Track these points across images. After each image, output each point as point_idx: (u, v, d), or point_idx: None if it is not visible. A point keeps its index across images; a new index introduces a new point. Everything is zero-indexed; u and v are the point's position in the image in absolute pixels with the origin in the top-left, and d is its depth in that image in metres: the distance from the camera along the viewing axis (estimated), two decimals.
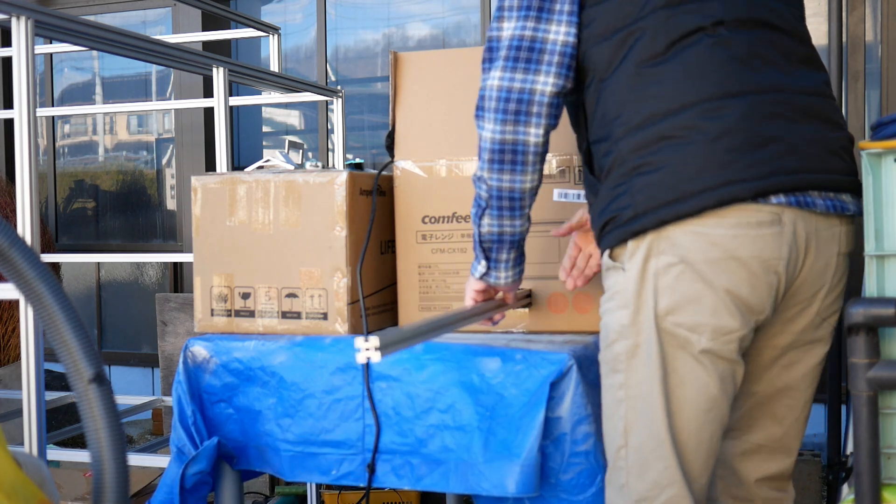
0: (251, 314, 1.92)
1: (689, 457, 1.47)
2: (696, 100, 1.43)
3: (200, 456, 1.81)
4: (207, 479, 1.83)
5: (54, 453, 2.73)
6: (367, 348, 1.33)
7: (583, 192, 1.76)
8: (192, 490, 1.81)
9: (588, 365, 1.69)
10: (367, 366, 1.76)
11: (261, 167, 2.16)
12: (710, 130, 1.41)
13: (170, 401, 3.48)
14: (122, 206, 5.60)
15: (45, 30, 2.19)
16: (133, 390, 5.02)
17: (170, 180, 5.48)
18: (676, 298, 1.42)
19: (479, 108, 1.55)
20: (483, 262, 1.66)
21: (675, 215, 1.40)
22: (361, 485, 1.78)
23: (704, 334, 1.42)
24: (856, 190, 1.50)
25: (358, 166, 2.00)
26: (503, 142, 1.53)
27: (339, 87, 3.53)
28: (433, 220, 1.89)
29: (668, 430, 1.45)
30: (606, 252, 1.52)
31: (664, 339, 1.44)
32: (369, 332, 1.78)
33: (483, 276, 1.68)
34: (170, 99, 5.40)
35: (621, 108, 1.48)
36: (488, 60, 1.55)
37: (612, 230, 1.48)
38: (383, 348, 1.34)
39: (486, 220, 1.61)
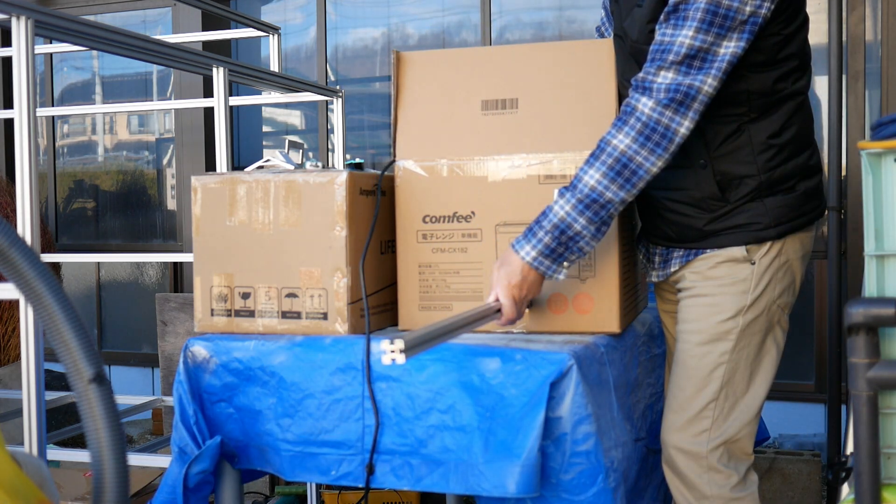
0: (251, 314, 1.92)
1: (761, 404, 1.92)
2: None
3: (204, 455, 1.81)
4: (210, 479, 1.83)
5: (54, 453, 2.73)
6: (392, 350, 1.35)
7: None
8: (194, 489, 1.81)
9: (588, 364, 1.69)
10: (369, 366, 1.76)
11: (261, 167, 2.15)
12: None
13: (170, 401, 3.48)
14: (122, 206, 5.60)
15: (45, 30, 2.19)
16: (133, 390, 5.02)
17: (170, 180, 5.48)
18: (784, 285, 1.88)
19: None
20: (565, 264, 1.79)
21: (797, 227, 1.88)
22: (360, 485, 1.78)
23: (787, 311, 1.93)
24: None
25: (358, 166, 2.00)
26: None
27: (338, 87, 3.53)
28: (434, 219, 1.89)
29: (754, 385, 1.88)
30: (737, 247, 1.85)
31: (773, 317, 1.89)
32: (373, 333, 1.78)
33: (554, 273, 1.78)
34: (170, 99, 5.40)
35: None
36: None
37: (754, 231, 1.85)
38: (408, 350, 1.35)
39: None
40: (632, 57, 1.85)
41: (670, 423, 1.91)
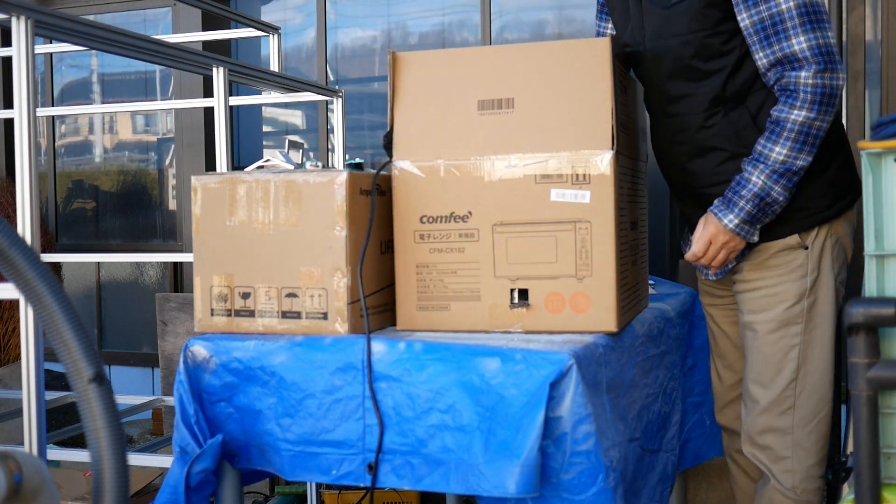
0: (251, 314, 1.92)
1: (834, 380, 2.07)
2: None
3: (206, 453, 1.81)
4: (212, 478, 1.83)
5: (54, 453, 2.72)
6: None
7: (579, 192, 1.78)
8: (196, 489, 1.80)
9: (587, 364, 1.69)
10: (370, 366, 1.76)
11: (261, 167, 2.16)
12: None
13: (170, 400, 3.48)
14: (122, 206, 5.60)
15: (45, 30, 2.19)
16: (133, 390, 5.01)
17: (170, 180, 5.48)
18: (840, 262, 2.06)
19: None
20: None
21: (845, 206, 2.05)
22: (361, 485, 1.78)
23: (844, 285, 2.10)
24: None
25: (358, 166, 2.00)
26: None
27: (338, 87, 3.53)
28: (431, 219, 1.89)
29: (832, 362, 2.05)
30: (791, 236, 2.01)
31: (837, 293, 2.06)
32: (373, 333, 1.78)
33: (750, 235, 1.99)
34: (170, 99, 5.40)
35: None
36: None
37: (804, 218, 2.01)
38: None
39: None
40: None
41: (756, 409, 2.05)
